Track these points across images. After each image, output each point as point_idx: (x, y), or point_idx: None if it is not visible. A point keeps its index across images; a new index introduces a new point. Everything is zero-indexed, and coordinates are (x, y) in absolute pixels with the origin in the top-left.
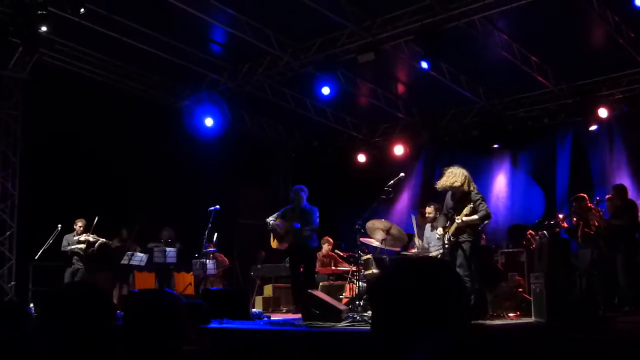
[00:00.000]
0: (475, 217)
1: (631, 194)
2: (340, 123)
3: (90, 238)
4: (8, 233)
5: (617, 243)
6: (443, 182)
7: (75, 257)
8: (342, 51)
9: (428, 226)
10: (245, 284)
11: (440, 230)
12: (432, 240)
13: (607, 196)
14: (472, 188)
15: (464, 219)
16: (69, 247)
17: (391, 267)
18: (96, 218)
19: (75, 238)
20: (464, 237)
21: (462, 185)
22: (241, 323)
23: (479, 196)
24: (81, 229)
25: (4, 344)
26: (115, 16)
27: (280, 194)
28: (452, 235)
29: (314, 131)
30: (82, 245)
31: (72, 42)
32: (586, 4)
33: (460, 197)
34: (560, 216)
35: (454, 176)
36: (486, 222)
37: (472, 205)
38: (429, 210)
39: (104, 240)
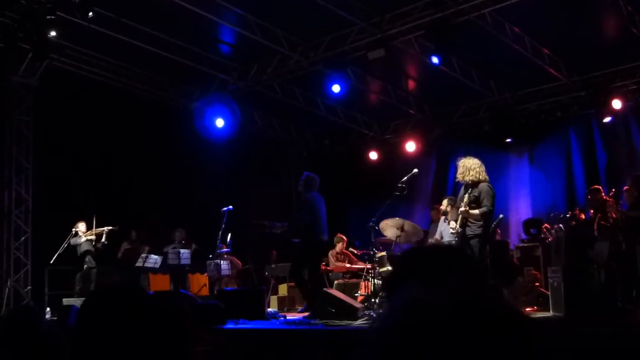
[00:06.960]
0: (476, 211)
1: None
2: (351, 121)
3: (95, 232)
4: (23, 238)
5: (636, 235)
6: (463, 177)
7: (87, 257)
8: (351, 48)
9: (442, 219)
10: (259, 284)
11: (452, 224)
12: (446, 233)
13: (625, 187)
14: (483, 178)
15: (467, 209)
16: (80, 241)
17: (398, 260)
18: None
19: (83, 239)
20: (470, 232)
21: (479, 176)
22: (257, 323)
23: (487, 188)
24: (84, 228)
25: (22, 348)
26: (123, 19)
27: (293, 193)
28: (460, 225)
29: (324, 129)
30: (92, 237)
31: (81, 46)
32: None
33: (471, 187)
34: (578, 210)
35: (471, 170)
36: (501, 217)
37: (476, 195)
38: (444, 203)
39: (109, 227)
